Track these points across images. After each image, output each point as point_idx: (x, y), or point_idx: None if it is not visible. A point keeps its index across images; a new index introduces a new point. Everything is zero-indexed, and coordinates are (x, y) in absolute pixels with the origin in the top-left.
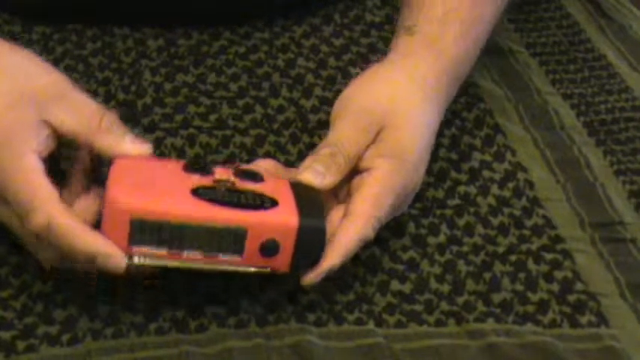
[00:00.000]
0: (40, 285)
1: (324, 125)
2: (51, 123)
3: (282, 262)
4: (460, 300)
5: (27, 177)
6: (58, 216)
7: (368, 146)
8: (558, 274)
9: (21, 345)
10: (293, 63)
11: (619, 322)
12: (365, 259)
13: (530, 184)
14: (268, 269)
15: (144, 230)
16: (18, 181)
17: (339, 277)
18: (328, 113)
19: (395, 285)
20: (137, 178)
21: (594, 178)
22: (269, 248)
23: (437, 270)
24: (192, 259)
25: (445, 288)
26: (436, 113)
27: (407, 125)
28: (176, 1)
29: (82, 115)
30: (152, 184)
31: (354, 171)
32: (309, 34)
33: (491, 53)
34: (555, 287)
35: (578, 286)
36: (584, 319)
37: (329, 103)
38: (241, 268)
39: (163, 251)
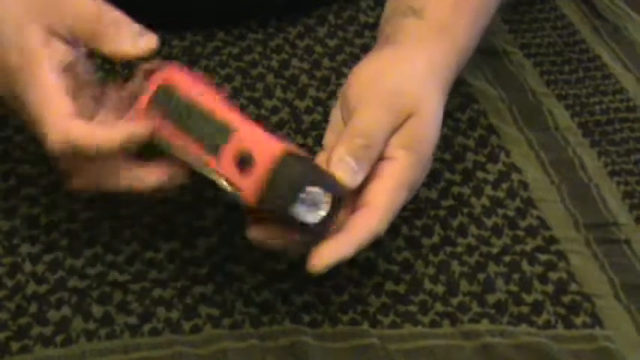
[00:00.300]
0: (34, 286)
1: (318, 126)
2: (59, 34)
3: (252, 185)
4: (454, 301)
5: (44, 98)
6: (74, 127)
7: (394, 132)
8: (553, 275)
9: (15, 346)
10: (287, 64)
11: (613, 323)
12: (359, 260)
13: (525, 185)
14: (237, 189)
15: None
16: (37, 103)
17: (333, 279)
18: (322, 114)
19: (389, 286)
20: None
21: (589, 178)
22: (243, 160)
23: (431, 271)
24: (181, 140)
25: (439, 289)
26: (444, 98)
27: (431, 117)
28: (171, 3)
29: (82, 20)
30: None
31: None
32: (303, 35)
33: (486, 54)
34: (550, 288)
35: (573, 287)
36: (578, 320)
37: (323, 103)
38: (213, 175)
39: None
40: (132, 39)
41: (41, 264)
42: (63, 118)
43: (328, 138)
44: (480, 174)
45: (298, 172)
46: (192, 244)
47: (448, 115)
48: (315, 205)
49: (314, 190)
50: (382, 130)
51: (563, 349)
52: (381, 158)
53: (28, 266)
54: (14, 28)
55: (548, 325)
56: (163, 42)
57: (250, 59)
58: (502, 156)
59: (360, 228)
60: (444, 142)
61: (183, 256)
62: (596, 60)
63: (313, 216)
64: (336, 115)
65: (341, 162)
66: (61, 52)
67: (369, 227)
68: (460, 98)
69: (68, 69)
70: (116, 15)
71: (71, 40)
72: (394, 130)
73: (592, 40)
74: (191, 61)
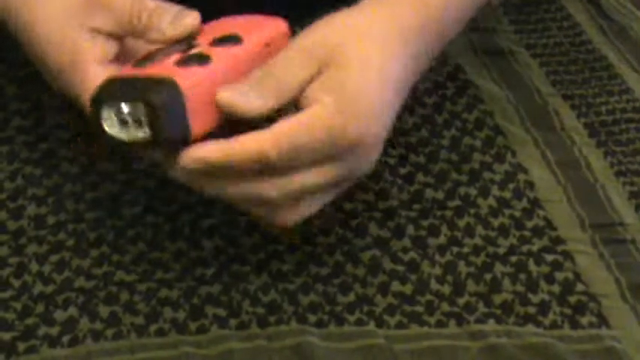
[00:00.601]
0: (40, 286)
1: None
2: (98, 29)
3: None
4: (461, 301)
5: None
6: None
7: (311, 82)
8: (559, 275)
9: (22, 346)
10: None
11: (620, 323)
12: (365, 260)
13: (531, 185)
14: None
15: None
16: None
17: (339, 278)
18: None
19: (396, 286)
20: None
21: (595, 179)
22: None
23: (437, 271)
24: None
25: (446, 289)
26: (411, 60)
27: (363, 67)
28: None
29: (119, 14)
30: None
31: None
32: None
33: (492, 54)
34: (556, 288)
35: (579, 287)
36: (584, 320)
37: None
38: None
39: None
40: (173, 23)
41: (48, 264)
42: None
43: None
44: (486, 174)
45: (106, 89)
46: (199, 244)
47: (454, 115)
48: (136, 122)
49: (123, 106)
50: (286, 63)
51: (570, 349)
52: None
53: (34, 266)
54: (56, 29)
55: (554, 325)
56: None
57: None
58: (508, 156)
59: (244, 141)
60: (451, 143)
61: (190, 257)
62: (603, 60)
63: (128, 133)
64: None
65: (229, 88)
66: (105, 47)
67: (254, 141)
68: (467, 99)
69: (114, 61)
70: (153, 4)
71: (114, 36)
72: (312, 79)
73: (598, 41)
74: None
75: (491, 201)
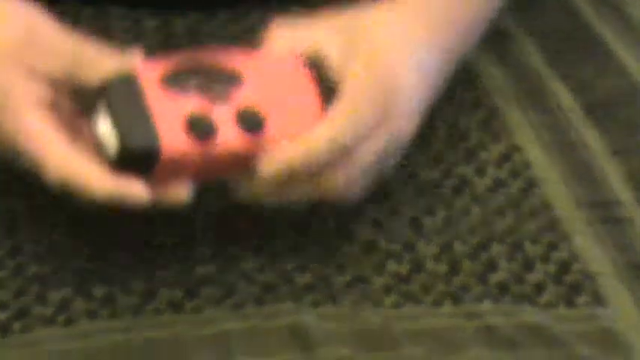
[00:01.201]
0: (35, 267)
1: None
2: (36, 71)
3: None
4: (457, 280)
5: (31, 136)
6: (73, 169)
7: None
8: (555, 255)
9: (17, 325)
10: None
11: (616, 303)
12: (361, 239)
13: (527, 165)
14: None
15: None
16: (25, 141)
17: (335, 258)
18: None
19: (391, 266)
20: None
21: (592, 158)
22: None
23: (433, 250)
24: None
25: (442, 268)
26: (443, 54)
27: (386, 41)
28: None
29: (62, 56)
30: None
31: None
32: (306, 14)
33: (489, 35)
34: (552, 268)
35: (575, 266)
36: (580, 300)
37: None
38: None
39: None
40: (113, 61)
41: (42, 246)
42: (64, 157)
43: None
44: (482, 154)
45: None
46: (194, 225)
47: (451, 95)
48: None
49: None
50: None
51: (566, 328)
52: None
53: (29, 247)
54: None
55: (550, 304)
56: (167, 21)
57: (253, 38)
58: (505, 136)
59: (314, 136)
60: (447, 123)
61: (185, 237)
62: (599, 40)
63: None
64: None
65: None
66: (40, 91)
67: (321, 132)
68: (463, 79)
69: (49, 106)
70: (95, 46)
71: (51, 79)
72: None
73: (595, 21)
74: (194, 40)
75: (487, 181)
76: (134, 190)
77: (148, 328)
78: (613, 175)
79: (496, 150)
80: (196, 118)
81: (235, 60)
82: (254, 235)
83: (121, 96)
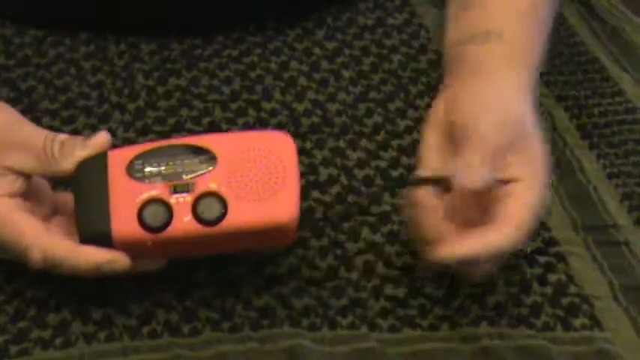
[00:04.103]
0: (33, 290)
1: (316, 129)
2: (10, 168)
3: None
4: (454, 304)
5: (10, 224)
6: (51, 247)
7: (508, 148)
8: (552, 277)
9: (14, 349)
10: (286, 66)
11: (612, 325)
12: (359, 264)
13: None
14: None
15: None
16: (2, 231)
17: (332, 282)
18: (320, 117)
19: (389, 290)
20: None
21: (587, 180)
22: None
23: (430, 274)
24: None
25: (439, 292)
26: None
27: (537, 134)
28: (171, 12)
29: (33, 151)
30: None
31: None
32: (301, 37)
33: None
34: (549, 290)
35: (572, 289)
36: (577, 322)
37: (321, 106)
38: None
39: None
40: (83, 146)
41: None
42: (42, 235)
43: (428, 158)
44: None
45: None
46: None
47: None
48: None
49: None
50: (495, 146)
51: (562, 351)
52: (507, 181)
53: (27, 270)
54: None
55: (547, 327)
56: (163, 45)
57: (249, 61)
58: None
59: (487, 237)
60: None
61: (183, 259)
62: (595, 62)
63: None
64: (431, 137)
65: (467, 167)
66: (14, 183)
67: (495, 239)
68: None
69: (26, 194)
70: (64, 136)
71: (25, 173)
72: (507, 148)
73: (591, 42)
74: (190, 64)
75: None
76: (116, 259)
77: (145, 351)
78: (609, 197)
79: None
80: (151, 207)
81: (208, 142)
82: (254, 257)
83: (88, 181)
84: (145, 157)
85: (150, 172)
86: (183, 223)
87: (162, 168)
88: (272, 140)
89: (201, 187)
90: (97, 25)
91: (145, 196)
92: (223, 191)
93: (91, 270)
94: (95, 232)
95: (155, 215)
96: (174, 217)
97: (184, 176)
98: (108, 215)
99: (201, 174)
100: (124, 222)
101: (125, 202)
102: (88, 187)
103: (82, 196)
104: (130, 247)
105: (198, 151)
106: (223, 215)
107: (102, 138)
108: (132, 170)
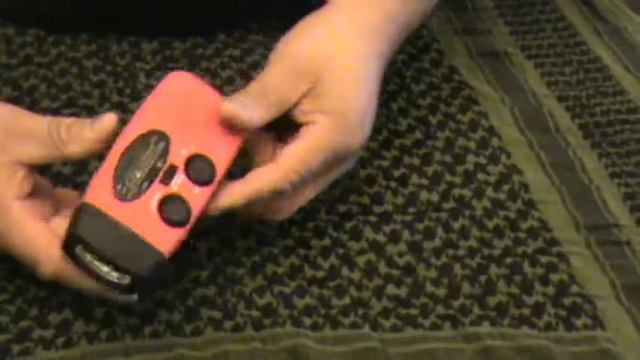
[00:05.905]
0: (35, 289)
1: None
2: (19, 161)
3: None
4: (456, 303)
5: (20, 232)
6: (64, 265)
7: (304, 96)
8: (554, 277)
9: (16, 348)
10: None
11: (614, 325)
12: (361, 263)
13: (525, 187)
14: None
15: None
16: (13, 237)
17: (334, 281)
18: None
19: (391, 289)
20: None
21: (589, 180)
22: None
23: (433, 274)
24: None
25: (441, 292)
26: (379, 59)
27: (348, 79)
28: (172, 6)
29: (40, 138)
30: None
31: (293, 124)
32: None
33: (487, 55)
34: (551, 290)
35: (574, 288)
36: (579, 322)
37: None
38: None
39: None
40: (92, 128)
41: None
42: (55, 250)
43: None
44: (480, 176)
45: (88, 227)
46: (193, 246)
47: (449, 116)
48: (117, 270)
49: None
50: (282, 79)
51: (564, 351)
52: (300, 124)
53: (29, 270)
54: None
55: (549, 327)
56: (165, 45)
57: (251, 61)
58: (503, 158)
59: (254, 180)
60: (445, 145)
61: (185, 259)
62: (597, 61)
63: (103, 270)
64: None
65: (233, 100)
66: (23, 183)
67: (264, 181)
68: (461, 100)
69: (31, 193)
70: (69, 119)
71: (35, 164)
72: (303, 94)
73: (593, 42)
74: (192, 64)
75: (485, 202)
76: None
77: (147, 351)
78: (611, 197)
79: (494, 172)
80: (167, 207)
81: (141, 125)
82: (255, 256)
83: (95, 233)
84: (120, 176)
85: (134, 183)
86: (191, 194)
87: (139, 175)
88: (178, 84)
89: (179, 161)
90: (99, 24)
91: (154, 205)
92: (195, 150)
93: (100, 290)
94: (151, 267)
95: (174, 211)
96: (189, 202)
97: (159, 164)
98: (147, 244)
99: (168, 152)
100: (160, 238)
101: (146, 222)
102: (101, 239)
103: (103, 252)
104: (177, 251)
105: (144, 139)
106: (213, 169)
107: (109, 119)
108: (122, 195)
